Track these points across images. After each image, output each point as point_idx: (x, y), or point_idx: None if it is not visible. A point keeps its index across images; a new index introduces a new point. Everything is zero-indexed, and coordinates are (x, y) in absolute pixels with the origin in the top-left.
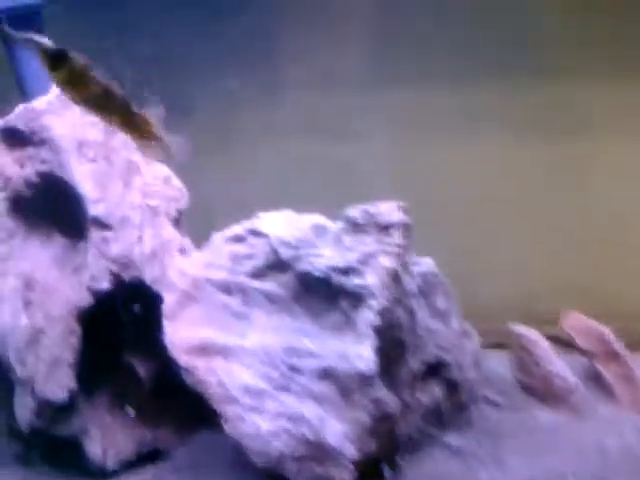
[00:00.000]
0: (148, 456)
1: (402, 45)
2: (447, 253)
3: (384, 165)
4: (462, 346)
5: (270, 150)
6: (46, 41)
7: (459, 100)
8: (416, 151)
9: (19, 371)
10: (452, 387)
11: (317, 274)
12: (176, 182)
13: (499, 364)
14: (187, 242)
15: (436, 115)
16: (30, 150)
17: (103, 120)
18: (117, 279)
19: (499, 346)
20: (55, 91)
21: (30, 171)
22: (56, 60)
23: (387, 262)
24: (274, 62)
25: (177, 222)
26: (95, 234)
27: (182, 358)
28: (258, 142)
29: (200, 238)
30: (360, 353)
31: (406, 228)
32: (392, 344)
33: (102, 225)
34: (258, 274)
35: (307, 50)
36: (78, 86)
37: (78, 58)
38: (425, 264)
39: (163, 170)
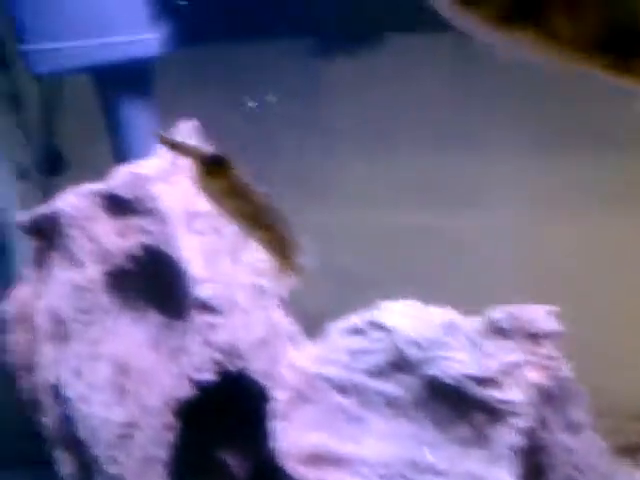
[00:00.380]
0: None
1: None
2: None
3: (508, 242)
4: (597, 467)
5: (374, 219)
6: (201, 146)
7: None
8: (544, 228)
9: (108, 469)
10: None
11: (448, 381)
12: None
13: None
14: (296, 328)
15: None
16: (134, 220)
17: (254, 238)
18: (221, 369)
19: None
20: (165, 155)
21: (132, 243)
22: (213, 167)
23: (535, 376)
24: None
25: (286, 305)
26: (200, 318)
27: (291, 466)
28: (361, 208)
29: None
30: (498, 477)
31: (559, 338)
32: (533, 470)
33: (208, 308)
34: (378, 373)
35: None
36: (234, 199)
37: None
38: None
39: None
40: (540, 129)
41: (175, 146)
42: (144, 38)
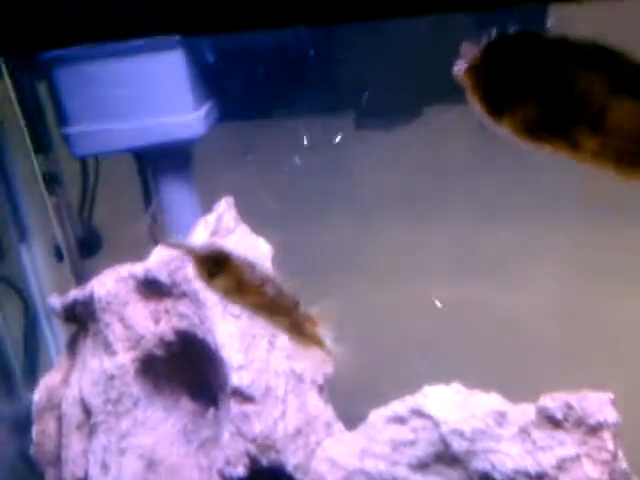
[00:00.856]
0: None
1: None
2: None
3: (558, 320)
4: None
5: (410, 294)
6: (200, 245)
7: None
8: (596, 304)
9: None
10: None
11: (498, 477)
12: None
13: None
14: (334, 416)
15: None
16: (168, 303)
17: (271, 325)
18: (254, 463)
19: None
20: (203, 235)
21: (166, 327)
22: (214, 266)
23: (593, 472)
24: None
25: (322, 390)
26: (235, 408)
27: None
28: (397, 283)
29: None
30: None
31: (616, 428)
32: None
33: (244, 397)
34: (421, 466)
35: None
36: (244, 292)
37: (241, 260)
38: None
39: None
40: (579, 199)
41: (176, 247)
42: (187, 119)
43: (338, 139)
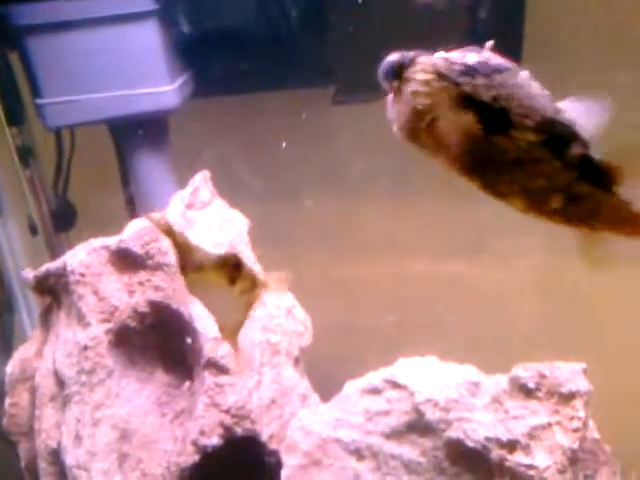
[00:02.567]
0: None
1: None
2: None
3: (532, 293)
4: None
5: (389, 269)
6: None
7: None
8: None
9: None
10: None
11: (471, 444)
12: (300, 313)
13: None
14: (310, 387)
15: None
16: (142, 275)
17: None
18: (229, 433)
19: None
20: (178, 208)
21: (140, 299)
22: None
23: (564, 440)
24: None
25: (297, 362)
26: (209, 379)
27: None
28: (376, 259)
29: None
30: None
31: (587, 397)
32: None
33: (218, 368)
34: (395, 435)
35: None
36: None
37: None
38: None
39: (287, 299)
40: None
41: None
42: (162, 90)
43: (304, 117)
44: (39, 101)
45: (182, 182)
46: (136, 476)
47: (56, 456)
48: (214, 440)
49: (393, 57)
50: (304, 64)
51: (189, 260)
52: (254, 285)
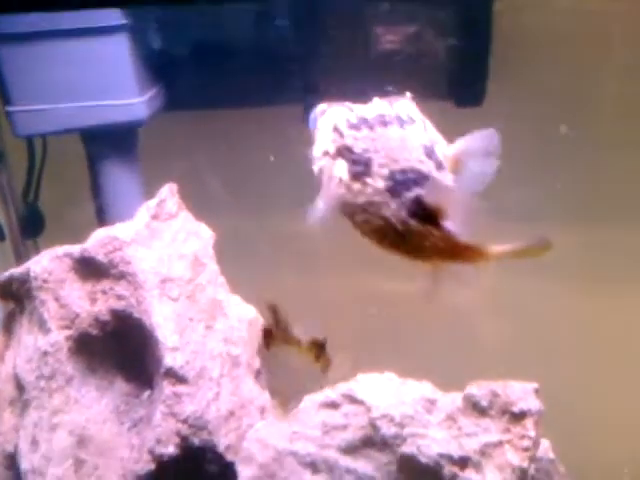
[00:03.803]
0: None
1: None
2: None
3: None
4: None
5: (355, 285)
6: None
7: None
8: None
9: None
10: None
11: (424, 460)
12: (259, 321)
13: None
14: (268, 400)
15: None
16: (105, 283)
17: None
18: (185, 442)
19: None
20: (143, 219)
21: (102, 307)
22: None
23: (514, 458)
24: None
25: (258, 374)
26: (168, 388)
27: None
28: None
29: None
30: None
31: (539, 417)
32: None
33: (177, 378)
34: (351, 450)
35: None
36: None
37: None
38: (543, 449)
39: (250, 311)
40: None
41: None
42: (131, 102)
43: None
44: (9, 108)
45: (151, 195)
46: (87, 466)
47: (12, 460)
48: (170, 449)
49: (320, 107)
50: (275, 81)
51: (282, 333)
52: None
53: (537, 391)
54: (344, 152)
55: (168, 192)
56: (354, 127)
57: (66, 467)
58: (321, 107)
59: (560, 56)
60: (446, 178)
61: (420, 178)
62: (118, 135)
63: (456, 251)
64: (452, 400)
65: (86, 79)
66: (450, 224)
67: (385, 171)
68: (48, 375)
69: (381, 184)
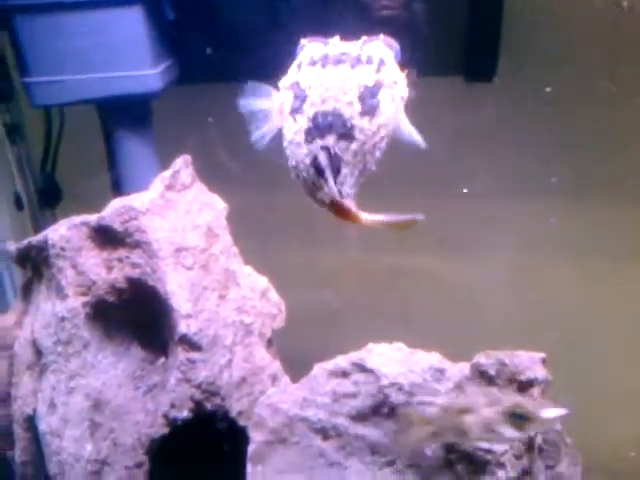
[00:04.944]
0: None
1: None
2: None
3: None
4: None
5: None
6: None
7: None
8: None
9: None
10: None
11: None
12: (274, 296)
13: None
14: (280, 368)
15: None
16: (121, 252)
17: None
18: (199, 408)
19: None
20: (158, 188)
21: (118, 275)
22: None
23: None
24: None
25: (270, 343)
26: (182, 355)
27: None
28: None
29: None
30: None
31: (546, 386)
32: None
33: (191, 345)
34: (361, 417)
35: None
36: None
37: None
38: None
39: (262, 281)
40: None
41: None
42: (145, 74)
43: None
44: (26, 79)
45: (165, 167)
46: (107, 445)
47: (31, 422)
48: (184, 413)
49: (302, 41)
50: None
51: None
52: None
53: (544, 361)
54: (294, 86)
55: (182, 163)
56: (312, 63)
57: (82, 429)
58: (302, 42)
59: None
60: (370, 124)
61: (337, 124)
62: (133, 107)
63: (338, 210)
64: (460, 369)
65: (102, 50)
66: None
67: (312, 111)
68: (65, 340)
69: (304, 124)
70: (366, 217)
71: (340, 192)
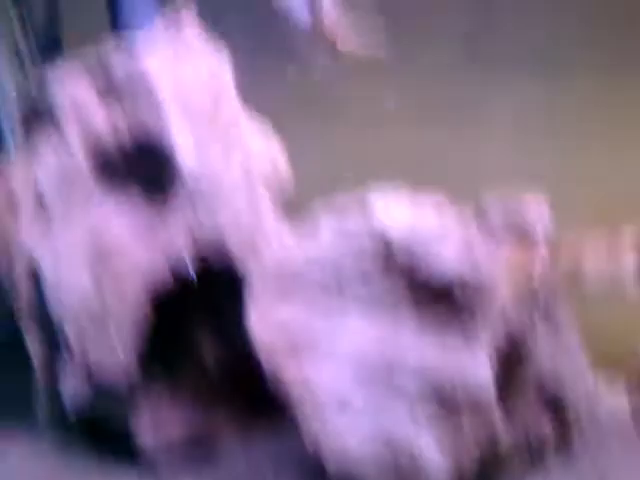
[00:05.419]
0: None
1: None
2: None
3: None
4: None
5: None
6: None
7: None
8: None
9: (78, 352)
10: (559, 413)
11: (436, 275)
12: (282, 164)
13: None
14: (283, 217)
15: None
16: (124, 99)
17: None
18: (204, 261)
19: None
20: (164, 39)
21: (121, 123)
22: None
23: (522, 273)
24: None
25: (275, 200)
26: (185, 202)
27: (267, 355)
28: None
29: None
30: (476, 371)
31: (549, 229)
32: (513, 364)
33: (194, 192)
34: (362, 267)
35: None
36: None
37: None
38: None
39: (265, 142)
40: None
41: None
42: None
43: None
44: None
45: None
46: (110, 293)
47: (34, 272)
48: (187, 258)
49: None
50: None
51: None
52: None
53: (548, 205)
54: None
55: (188, 17)
56: None
57: (87, 275)
58: None
59: None
60: None
61: None
62: None
63: None
64: (464, 214)
65: None
66: None
67: None
68: (70, 191)
69: None
70: None
71: None
